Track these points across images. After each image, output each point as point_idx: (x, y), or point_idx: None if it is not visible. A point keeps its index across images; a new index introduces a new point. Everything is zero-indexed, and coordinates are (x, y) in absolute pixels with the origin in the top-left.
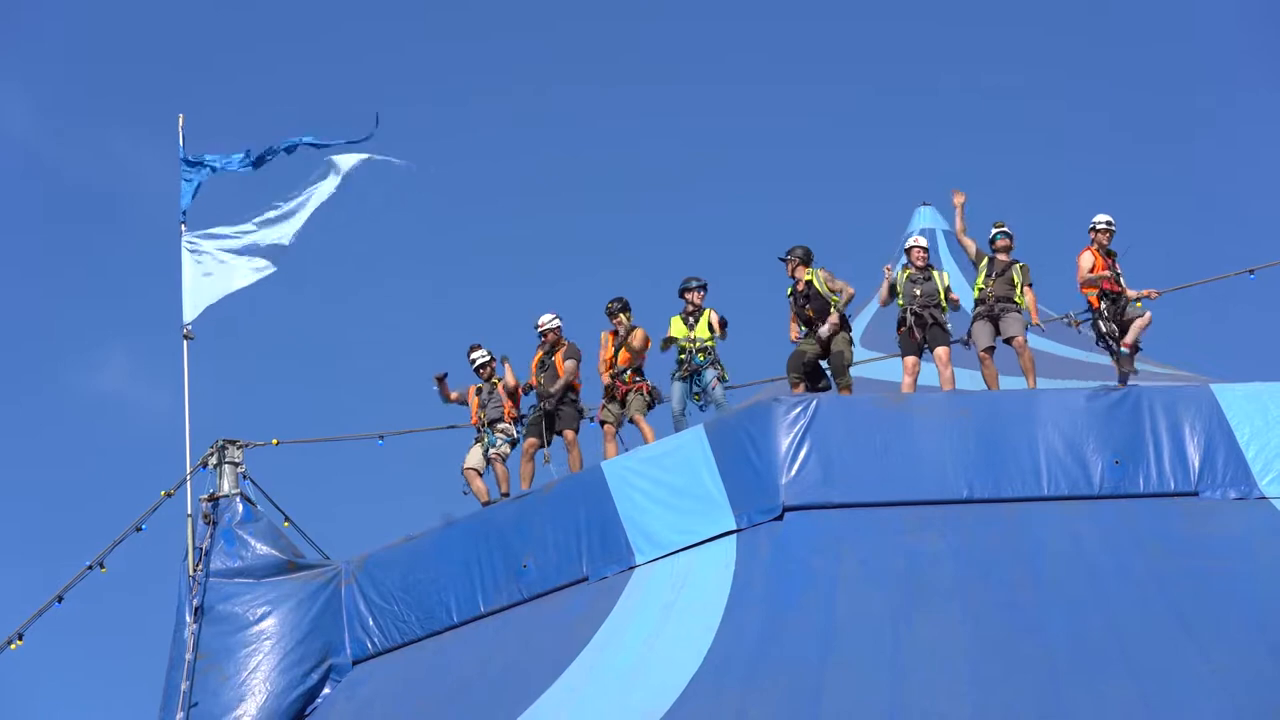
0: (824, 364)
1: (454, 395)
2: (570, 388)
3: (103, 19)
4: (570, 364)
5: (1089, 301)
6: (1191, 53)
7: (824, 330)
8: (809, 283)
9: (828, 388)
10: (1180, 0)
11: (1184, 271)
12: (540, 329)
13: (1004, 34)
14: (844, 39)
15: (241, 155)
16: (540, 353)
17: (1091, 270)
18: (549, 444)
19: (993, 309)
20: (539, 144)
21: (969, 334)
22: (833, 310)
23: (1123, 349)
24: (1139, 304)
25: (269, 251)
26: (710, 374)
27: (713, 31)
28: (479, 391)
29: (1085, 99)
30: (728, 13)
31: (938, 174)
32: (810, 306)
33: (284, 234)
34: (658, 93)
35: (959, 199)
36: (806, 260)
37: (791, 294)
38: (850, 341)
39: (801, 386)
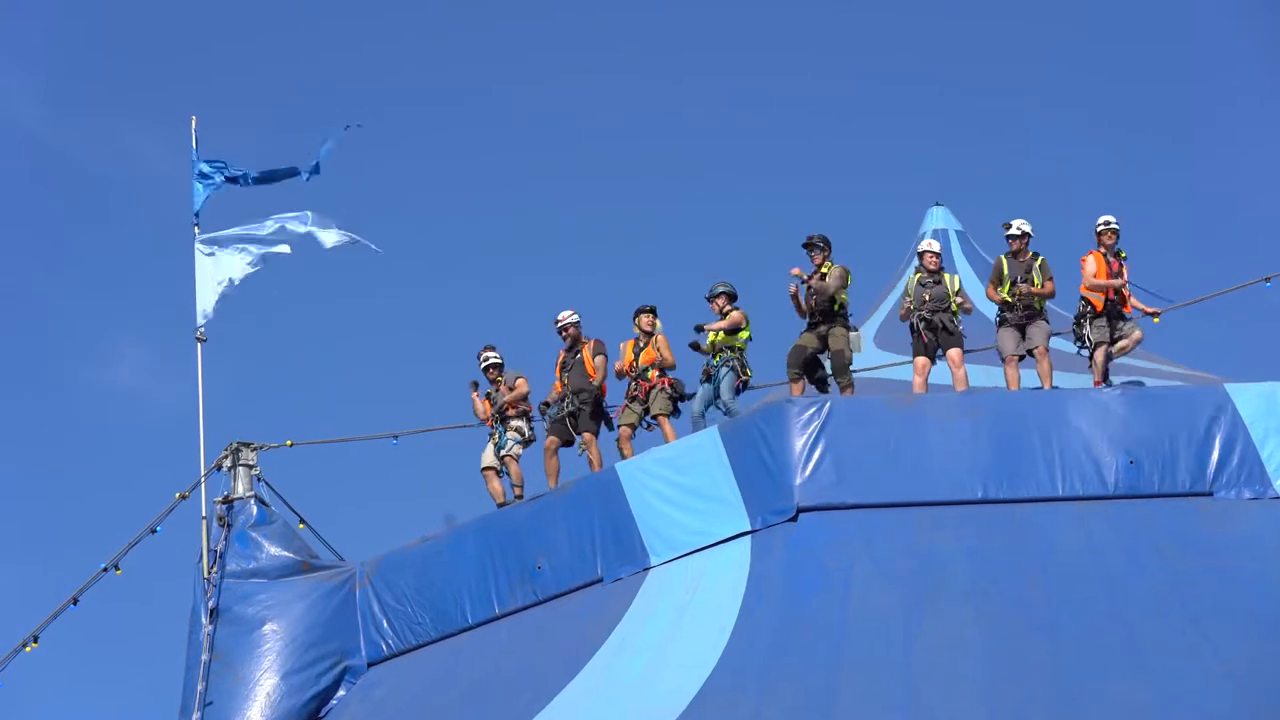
0: (822, 357)
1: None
2: (598, 387)
3: (114, 12)
4: (600, 359)
5: (1090, 303)
6: (1194, 51)
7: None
8: (824, 274)
9: (825, 380)
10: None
11: (1197, 273)
12: (559, 324)
13: (1006, 33)
14: (850, 33)
15: (242, 173)
16: (562, 353)
17: (1095, 275)
18: (571, 444)
19: (1020, 317)
20: (549, 140)
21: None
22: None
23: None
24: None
25: (268, 257)
26: (724, 372)
27: (721, 23)
28: (489, 393)
29: (1085, 99)
30: (735, 4)
31: (951, 172)
32: (815, 299)
33: (283, 247)
34: (665, 86)
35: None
36: (828, 249)
37: (806, 282)
38: (848, 340)
39: (801, 383)
